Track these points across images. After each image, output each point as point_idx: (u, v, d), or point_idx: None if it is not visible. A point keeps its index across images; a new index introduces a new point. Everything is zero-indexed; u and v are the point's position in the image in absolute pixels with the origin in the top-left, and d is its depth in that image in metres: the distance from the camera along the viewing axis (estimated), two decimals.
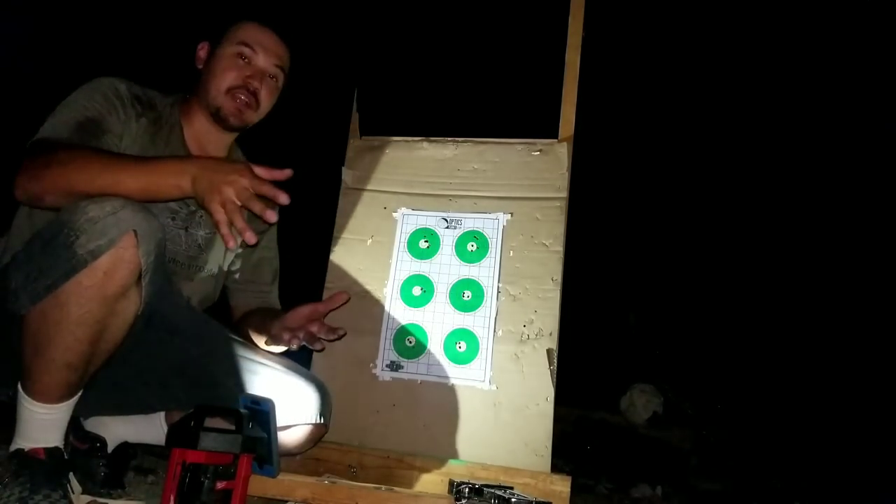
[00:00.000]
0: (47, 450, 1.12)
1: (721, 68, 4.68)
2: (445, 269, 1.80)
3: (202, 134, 1.48)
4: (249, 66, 1.44)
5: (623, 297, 4.55)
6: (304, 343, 1.39)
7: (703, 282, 4.75)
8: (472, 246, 1.80)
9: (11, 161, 1.20)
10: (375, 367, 1.75)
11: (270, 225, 1.64)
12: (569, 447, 2.89)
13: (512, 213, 1.80)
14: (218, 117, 1.44)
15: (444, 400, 1.68)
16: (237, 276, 1.59)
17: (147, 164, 1.16)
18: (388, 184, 1.92)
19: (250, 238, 1.10)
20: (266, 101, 1.48)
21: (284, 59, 1.49)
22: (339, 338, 1.44)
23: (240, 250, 1.59)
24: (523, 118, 2.13)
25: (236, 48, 1.43)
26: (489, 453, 1.60)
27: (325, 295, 1.85)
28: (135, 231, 1.05)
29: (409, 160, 1.93)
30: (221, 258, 1.51)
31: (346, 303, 1.49)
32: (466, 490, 1.33)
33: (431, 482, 1.55)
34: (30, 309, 1.05)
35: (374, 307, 1.80)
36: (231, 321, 1.62)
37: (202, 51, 1.49)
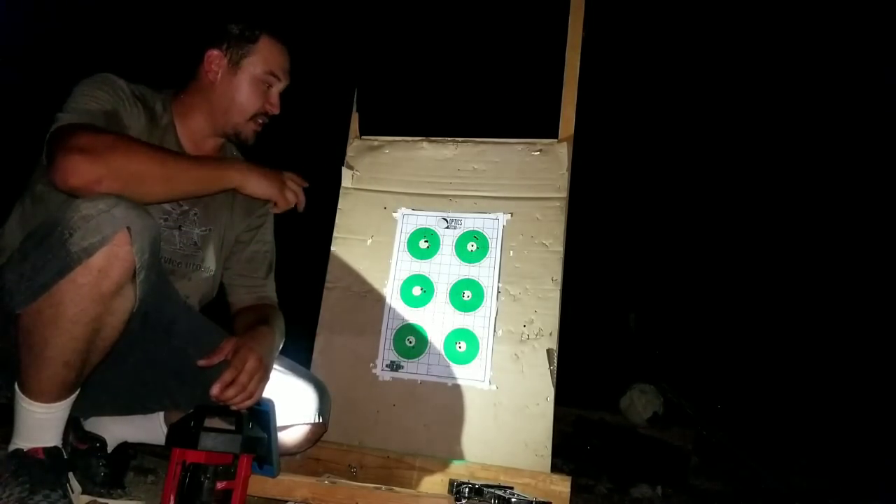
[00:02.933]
0: (46, 449, 1.12)
1: (721, 68, 4.68)
2: (445, 269, 1.80)
3: (197, 135, 1.47)
4: (270, 90, 1.45)
5: (623, 298, 4.55)
6: None
7: (703, 282, 4.75)
8: (472, 246, 1.80)
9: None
10: (375, 367, 1.75)
11: (265, 219, 1.64)
12: (569, 447, 2.89)
13: (512, 213, 1.80)
14: (235, 139, 1.47)
15: (444, 400, 1.68)
16: (232, 271, 1.58)
17: (201, 159, 1.30)
18: (388, 184, 1.92)
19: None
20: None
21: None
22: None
23: (234, 245, 1.58)
24: (523, 118, 2.13)
25: (266, 77, 1.42)
26: (489, 453, 1.60)
27: (326, 295, 1.85)
28: (128, 228, 1.05)
29: (409, 160, 1.93)
30: (218, 255, 1.51)
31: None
32: (466, 490, 1.33)
33: (431, 482, 1.55)
34: (25, 308, 1.05)
35: (374, 307, 1.80)
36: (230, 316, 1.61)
37: (216, 62, 1.41)
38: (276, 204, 1.37)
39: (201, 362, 1.27)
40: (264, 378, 1.29)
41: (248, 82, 1.42)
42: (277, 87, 1.45)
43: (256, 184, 1.29)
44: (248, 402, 1.23)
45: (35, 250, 1.05)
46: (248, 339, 1.32)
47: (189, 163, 1.26)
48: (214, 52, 1.42)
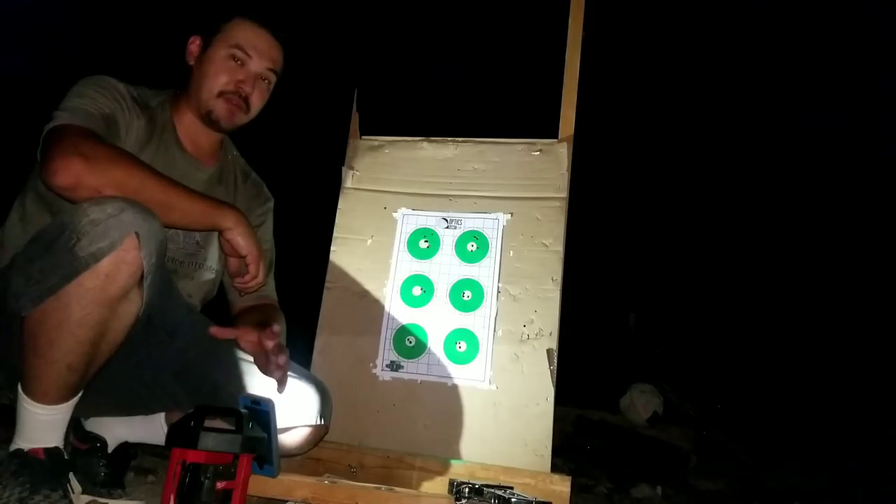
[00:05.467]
0: (47, 450, 1.12)
1: (721, 68, 4.68)
2: (445, 268, 1.80)
3: (193, 132, 1.47)
4: (242, 69, 1.41)
5: (623, 298, 4.55)
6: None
7: (703, 282, 4.76)
8: (472, 246, 1.80)
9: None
10: (375, 367, 1.75)
11: (265, 218, 1.64)
12: (569, 447, 2.89)
13: (512, 213, 1.80)
14: (209, 120, 1.43)
15: (444, 400, 1.68)
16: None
17: (198, 195, 1.26)
18: (388, 184, 1.92)
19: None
20: (257, 104, 1.46)
21: (278, 61, 1.47)
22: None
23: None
24: (523, 118, 2.13)
25: (230, 51, 1.40)
26: (489, 453, 1.60)
27: (326, 295, 1.85)
28: (136, 233, 1.05)
29: (409, 160, 1.92)
30: (220, 253, 1.51)
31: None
32: (466, 490, 1.33)
33: (431, 482, 1.55)
34: (31, 311, 1.05)
35: (374, 307, 1.80)
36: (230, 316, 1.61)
37: (193, 45, 1.45)
38: (239, 272, 1.34)
39: (213, 329, 1.33)
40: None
41: (216, 58, 1.41)
42: (251, 66, 1.42)
43: (243, 236, 1.26)
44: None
45: (42, 253, 1.05)
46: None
47: (189, 194, 1.23)
48: (193, 39, 1.45)
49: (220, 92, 1.40)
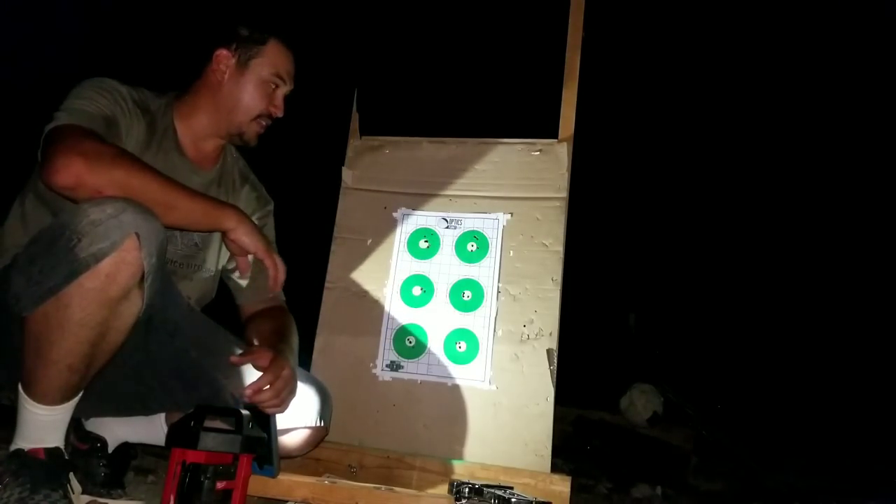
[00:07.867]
0: (47, 450, 1.12)
1: (721, 68, 4.68)
2: (445, 269, 1.80)
3: (199, 135, 1.47)
4: (275, 92, 1.46)
5: (623, 298, 4.55)
6: None
7: (703, 282, 4.75)
8: (472, 246, 1.80)
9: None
10: (375, 367, 1.75)
11: (266, 221, 1.64)
12: (569, 447, 2.89)
13: (512, 213, 1.80)
14: (239, 139, 1.48)
15: (444, 400, 1.68)
16: (236, 275, 1.58)
17: (199, 195, 1.25)
18: (388, 184, 1.92)
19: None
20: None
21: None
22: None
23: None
24: (523, 118, 2.13)
25: (272, 79, 1.44)
26: (489, 453, 1.60)
27: (326, 295, 1.85)
28: (137, 234, 1.05)
29: (409, 160, 1.93)
30: (218, 256, 1.51)
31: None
32: (466, 490, 1.34)
33: (431, 482, 1.55)
34: (31, 311, 1.05)
35: (374, 307, 1.81)
36: (240, 320, 1.61)
37: (223, 61, 1.43)
38: (243, 267, 1.34)
39: (234, 359, 1.31)
40: (293, 391, 1.31)
41: (254, 83, 1.43)
42: (282, 90, 1.47)
43: (246, 234, 1.26)
44: (278, 410, 1.26)
45: (43, 254, 1.05)
46: (282, 352, 1.34)
47: (190, 194, 1.22)
48: (223, 52, 1.43)
49: (257, 116, 1.44)
